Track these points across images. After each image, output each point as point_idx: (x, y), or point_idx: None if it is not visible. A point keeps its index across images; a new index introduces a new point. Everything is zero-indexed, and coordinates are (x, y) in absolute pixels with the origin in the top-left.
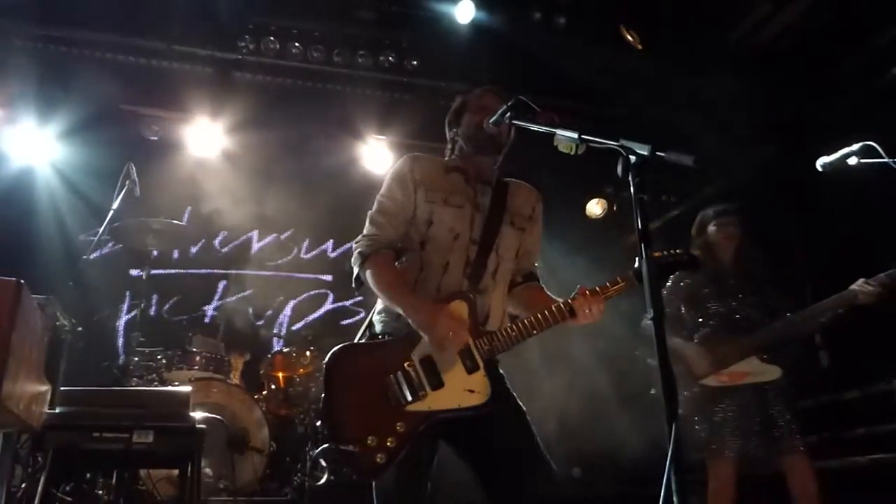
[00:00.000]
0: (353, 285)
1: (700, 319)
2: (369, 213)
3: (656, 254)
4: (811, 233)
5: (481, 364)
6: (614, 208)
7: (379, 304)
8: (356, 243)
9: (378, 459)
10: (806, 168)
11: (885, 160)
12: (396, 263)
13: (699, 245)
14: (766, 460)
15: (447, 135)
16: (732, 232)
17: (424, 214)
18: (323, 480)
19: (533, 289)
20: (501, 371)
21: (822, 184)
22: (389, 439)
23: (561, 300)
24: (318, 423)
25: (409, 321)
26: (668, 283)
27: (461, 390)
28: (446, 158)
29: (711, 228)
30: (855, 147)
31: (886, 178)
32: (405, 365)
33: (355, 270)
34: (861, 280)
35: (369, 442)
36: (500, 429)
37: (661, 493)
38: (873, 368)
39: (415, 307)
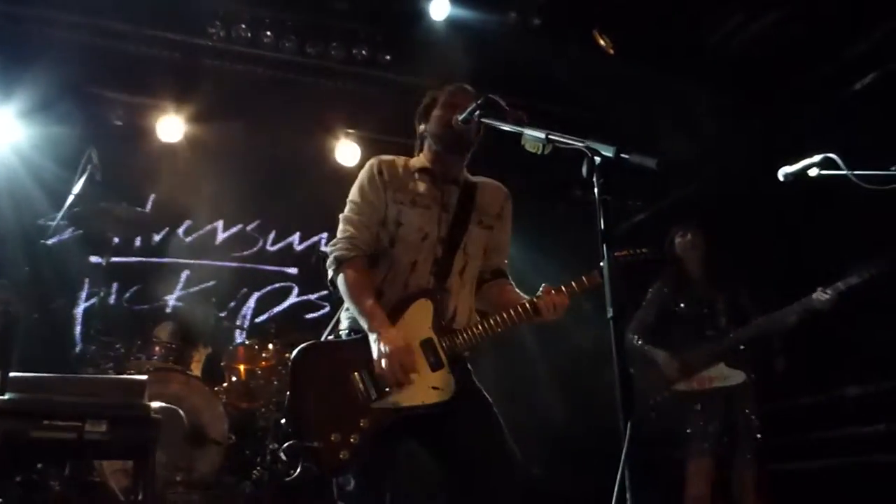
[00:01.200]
0: (330, 287)
1: (672, 328)
2: (342, 215)
3: (622, 253)
4: (776, 240)
5: (445, 361)
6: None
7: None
8: (332, 246)
9: (341, 456)
10: (771, 176)
11: (845, 172)
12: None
13: (669, 261)
14: (731, 461)
15: (417, 130)
16: (695, 244)
17: (393, 215)
18: (296, 474)
19: (501, 286)
20: (469, 367)
21: (788, 192)
22: (353, 436)
23: (526, 299)
24: (280, 417)
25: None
26: (647, 296)
27: (425, 387)
28: (414, 157)
29: (677, 240)
30: (816, 158)
31: (851, 188)
32: (370, 363)
33: (329, 274)
34: (819, 288)
35: (333, 438)
36: (466, 424)
37: (615, 490)
38: (828, 375)
39: (377, 325)
